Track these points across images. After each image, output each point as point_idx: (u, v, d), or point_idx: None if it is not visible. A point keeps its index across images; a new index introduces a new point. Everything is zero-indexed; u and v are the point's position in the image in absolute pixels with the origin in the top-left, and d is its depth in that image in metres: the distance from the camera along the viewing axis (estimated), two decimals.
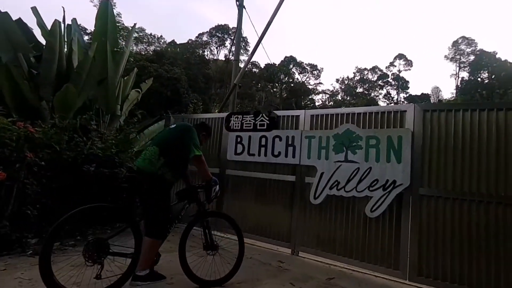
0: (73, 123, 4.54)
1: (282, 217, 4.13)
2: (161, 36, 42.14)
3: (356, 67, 53.94)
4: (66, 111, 4.90)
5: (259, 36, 7.13)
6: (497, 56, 39.23)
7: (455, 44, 45.67)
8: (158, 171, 2.42)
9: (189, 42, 43.29)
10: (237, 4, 8.41)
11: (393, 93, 51.15)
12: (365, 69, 52.77)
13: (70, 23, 6.70)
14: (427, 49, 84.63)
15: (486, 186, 3.01)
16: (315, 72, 50.79)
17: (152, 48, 37.94)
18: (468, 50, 44.28)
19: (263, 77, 45.37)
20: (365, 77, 52.54)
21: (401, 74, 50.93)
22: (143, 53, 31.14)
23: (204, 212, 2.81)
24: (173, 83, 18.62)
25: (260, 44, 7.26)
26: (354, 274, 3.45)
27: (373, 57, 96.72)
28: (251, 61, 8.11)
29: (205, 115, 5.32)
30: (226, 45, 45.31)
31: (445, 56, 47.13)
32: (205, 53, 43.57)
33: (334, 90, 53.20)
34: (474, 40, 44.29)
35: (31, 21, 6.22)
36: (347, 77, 53.45)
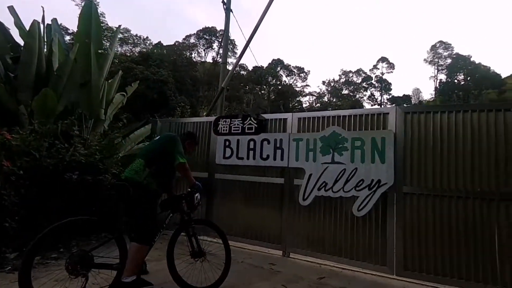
0: (54, 128, 4.36)
1: (272, 220, 4.17)
2: (147, 37, 41.43)
3: (342, 70, 55.31)
4: (46, 116, 4.70)
5: (247, 39, 7.18)
6: (471, 59, 41.09)
7: (433, 48, 47.43)
8: (143, 181, 2.52)
9: (176, 44, 42.80)
10: (224, 8, 8.44)
11: (377, 94, 52.51)
12: (350, 71, 53.91)
13: (50, 23, 6.51)
14: (408, 53, 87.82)
15: (463, 183, 3.20)
16: (302, 74, 51.39)
17: (137, 49, 37.27)
18: (445, 53, 46.09)
19: (251, 79, 45.46)
20: (350, 80, 53.61)
21: (384, 77, 52.42)
22: (128, 54, 30.57)
23: (188, 220, 2.82)
24: (160, 86, 18.38)
25: (248, 47, 7.31)
26: (344, 272, 3.53)
27: (357, 60, 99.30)
28: (239, 63, 8.13)
29: (192, 119, 5.29)
30: (213, 47, 45.13)
31: (424, 59, 48.91)
32: (193, 55, 43.19)
33: (321, 92, 54.02)
34: (450, 44, 46.20)
35: (8, 21, 6.00)
36: (333, 79, 54.43)
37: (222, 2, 8.58)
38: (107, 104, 6.34)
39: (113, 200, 4.10)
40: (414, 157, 3.44)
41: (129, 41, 38.40)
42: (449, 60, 44.62)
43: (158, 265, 3.12)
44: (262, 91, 47.70)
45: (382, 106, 49.24)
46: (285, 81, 50.15)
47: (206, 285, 2.74)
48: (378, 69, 52.72)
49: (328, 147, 3.86)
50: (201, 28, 45.16)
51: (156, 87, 17.98)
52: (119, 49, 32.88)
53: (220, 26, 44.46)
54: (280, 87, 48.25)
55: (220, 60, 8.76)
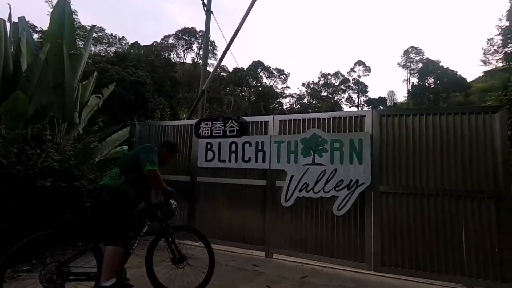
0: (23, 133, 4.14)
1: (255, 221, 4.20)
2: (123, 37, 40.15)
3: (321, 72, 56.38)
4: (15, 120, 4.44)
5: (228, 42, 7.20)
6: (440, 64, 43.55)
7: (406, 52, 49.82)
8: (119, 187, 2.60)
9: (154, 44, 41.88)
10: (204, 10, 8.39)
11: (354, 96, 54.22)
12: (329, 74, 55.25)
13: (16, 21, 6.18)
14: (383, 57, 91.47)
15: (434, 182, 3.41)
16: (282, 76, 51.99)
17: (113, 49, 36.05)
18: (417, 58, 48.55)
19: (232, 81, 45.38)
20: (329, 82, 54.92)
21: (361, 79, 54.23)
22: (103, 54, 29.49)
23: (165, 228, 2.79)
24: (137, 87, 17.90)
25: (229, 49, 7.32)
26: (325, 271, 3.63)
27: (335, 63, 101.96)
28: (219, 65, 8.10)
29: (173, 122, 5.20)
30: (193, 48, 44.62)
31: (398, 63, 51.22)
32: (171, 56, 42.44)
33: (301, 94, 54.89)
34: (421, 49, 48.79)
35: None
36: (313, 81, 55.50)
37: (202, 3, 8.53)
38: (82, 107, 6.11)
39: (90, 208, 3.95)
40: (389, 157, 3.61)
41: (104, 41, 37.04)
42: (420, 65, 46.99)
43: (139, 272, 3.06)
44: (243, 93, 47.77)
45: (359, 107, 51.07)
46: (265, 82, 50.58)
47: None
48: (355, 72, 54.54)
49: (308, 148, 3.96)
50: (180, 29, 44.59)
51: (134, 88, 17.50)
52: (93, 48, 31.62)
53: (199, 26, 44.10)
54: (260, 88, 48.54)
55: (200, 61, 8.69)
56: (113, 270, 2.35)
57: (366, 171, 3.63)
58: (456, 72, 41.40)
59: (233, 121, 4.52)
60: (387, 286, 3.23)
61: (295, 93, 54.60)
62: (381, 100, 52.24)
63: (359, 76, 54.27)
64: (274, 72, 51.34)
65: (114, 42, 38.96)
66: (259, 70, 49.73)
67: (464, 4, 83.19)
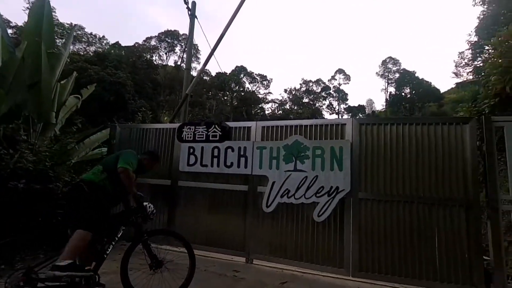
0: None
1: (236, 227, 4.19)
2: (103, 36, 38.91)
3: (302, 79, 57.49)
4: None
5: (212, 47, 7.20)
6: (416, 74, 45.73)
7: (384, 63, 51.93)
8: (100, 182, 2.70)
9: (136, 45, 40.97)
10: (189, 14, 8.35)
11: (335, 104, 55.66)
12: (310, 81, 56.46)
13: None
14: (362, 66, 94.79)
15: (410, 189, 3.54)
16: (264, 82, 52.52)
17: (92, 48, 34.91)
18: (394, 68, 50.71)
19: (214, 85, 45.25)
20: (310, 89, 56.06)
21: (341, 87, 55.78)
22: (82, 53, 28.49)
23: (140, 233, 2.75)
24: (117, 88, 17.46)
25: (213, 55, 7.31)
26: (305, 276, 3.67)
27: (317, 70, 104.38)
28: (203, 70, 8.07)
29: (155, 125, 5.12)
30: (176, 51, 44.11)
31: (377, 73, 53.19)
32: (153, 58, 41.72)
33: (283, 100, 55.58)
34: (398, 60, 51.09)
35: None
36: (295, 88, 56.45)
37: (186, 8, 8.50)
38: (59, 107, 5.89)
39: (66, 202, 3.79)
40: (368, 165, 3.73)
41: (83, 39, 35.79)
42: (397, 75, 49.11)
43: (115, 278, 2.96)
44: (225, 97, 47.74)
45: (340, 115, 52.38)
46: (248, 88, 50.86)
47: None
48: (336, 79, 56.10)
49: (291, 155, 4.02)
50: (163, 31, 44.02)
51: (113, 89, 17.05)
52: (71, 47, 30.51)
53: (183, 29, 43.83)
54: (243, 93, 48.72)
55: (183, 64, 8.62)
56: (74, 253, 2.36)
57: (346, 178, 3.73)
58: (431, 83, 43.70)
59: (216, 126, 4.52)
60: None
61: (277, 99, 55.35)
62: (361, 108, 54.00)
63: (340, 84, 55.90)
64: (257, 77, 51.81)
65: (94, 41, 37.74)
66: (242, 75, 49.99)
67: (438, 17, 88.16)
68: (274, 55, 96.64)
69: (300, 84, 56.47)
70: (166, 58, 44.34)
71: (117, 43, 37.77)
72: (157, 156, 3.37)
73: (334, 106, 55.52)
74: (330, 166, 3.82)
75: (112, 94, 16.89)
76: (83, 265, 2.40)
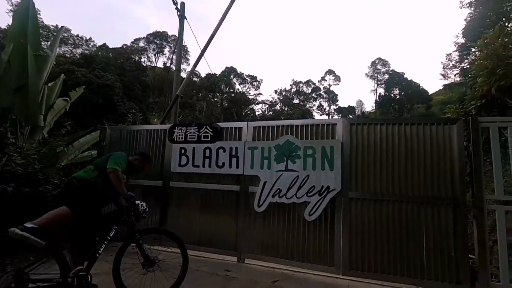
0: None
1: (228, 227, 4.21)
2: (90, 38, 38.40)
3: (293, 80, 57.94)
4: None
5: (202, 48, 7.19)
6: (405, 76, 46.58)
7: (373, 64, 52.69)
8: (91, 179, 2.78)
9: (124, 47, 40.52)
10: (178, 15, 8.34)
11: (325, 104, 56.20)
12: (301, 82, 56.86)
13: None
14: (352, 67, 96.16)
15: (399, 188, 3.61)
16: (255, 83, 52.63)
17: (79, 50, 34.35)
18: (383, 69, 51.52)
19: (204, 86, 45.08)
20: (300, 90, 56.46)
21: (331, 88, 56.38)
22: (68, 56, 27.97)
23: (133, 232, 2.76)
24: (106, 90, 17.21)
25: (203, 56, 7.31)
26: (296, 275, 3.71)
27: (307, 71, 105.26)
28: (193, 71, 8.05)
29: (146, 127, 5.09)
30: (164, 52, 43.88)
31: (366, 74, 53.95)
32: (142, 59, 41.32)
33: (273, 101, 55.82)
34: (388, 61, 51.88)
35: None
36: (285, 88, 56.73)
37: (176, 8, 8.48)
38: (47, 110, 5.80)
39: (58, 195, 3.74)
40: (358, 164, 3.80)
41: (69, 42, 35.21)
42: (386, 76, 49.87)
43: (108, 278, 2.95)
44: (215, 99, 47.61)
45: (330, 116, 52.89)
46: (238, 89, 50.88)
47: None
48: (326, 80, 56.61)
49: (282, 155, 4.07)
50: (151, 32, 43.69)
51: (102, 92, 16.79)
52: (57, 49, 29.92)
53: (171, 30, 43.57)
54: (233, 94, 48.71)
55: (172, 65, 8.59)
56: (46, 221, 2.42)
57: (336, 177, 3.79)
58: (419, 84, 44.56)
59: (207, 127, 4.53)
60: None
61: (268, 100, 55.54)
62: (351, 109, 54.70)
63: (330, 85, 56.48)
64: (247, 78, 51.91)
65: (80, 43, 37.16)
66: (232, 76, 50.00)
67: (427, 19, 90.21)
68: (264, 56, 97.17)
69: (290, 85, 56.88)
70: (155, 60, 44.07)
71: (104, 45, 37.26)
72: (148, 157, 3.41)
73: (324, 107, 56.11)
74: (321, 166, 3.88)
75: (100, 96, 16.64)
76: (47, 236, 2.37)
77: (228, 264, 3.99)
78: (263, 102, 54.58)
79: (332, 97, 56.00)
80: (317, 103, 56.05)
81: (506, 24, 7.66)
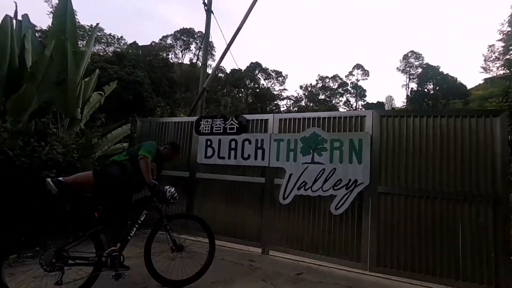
0: (28, 127, 4.20)
1: (252, 218, 4.24)
2: (121, 37, 40.08)
3: (319, 75, 56.62)
4: (20, 114, 4.52)
5: (228, 42, 7.25)
6: (440, 69, 43.72)
7: (405, 57, 50.09)
8: (122, 161, 2.97)
9: (152, 44, 41.96)
10: (205, 9, 8.45)
11: (352, 100, 54.48)
12: (327, 77, 55.51)
13: (20, 19, 6.21)
14: (382, 61, 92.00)
15: (432, 184, 3.43)
16: (280, 78, 52.25)
17: (111, 49, 35.99)
18: (416, 63, 48.83)
19: (229, 82, 45.51)
20: (326, 85, 55.18)
21: (359, 83, 54.50)
22: (102, 54, 29.44)
23: (163, 217, 2.86)
24: (135, 87, 17.91)
25: (229, 50, 7.38)
26: (321, 269, 3.66)
27: (334, 66, 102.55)
28: (219, 65, 8.16)
29: (174, 119, 5.26)
30: (191, 49, 44.81)
31: (397, 68, 51.53)
32: (170, 56, 42.54)
33: (298, 96, 55.08)
34: (421, 54, 49.03)
35: None
36: (310, 84, 55.70)
37: (203, 3, 8.60)
38: (84, 104, 6.17)
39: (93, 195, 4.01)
40: (388, 158, 3.65)
41: (102, 40, 36.98)
42: (420, 70, 47.19)
43: (139, 262, 3.11)
44: (240, 94, 47.90)
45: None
46: (263, 84, 50.77)
47: (186, 277, 2.81)
48: (354, 75, 54.80)
49: (308, 147, 4.01)
50: (178, 29, 44.76)
51: (132, 88, 17.50)
52: (92, 47, 31.59)
53: (198, 27, 44.27)
54: (258, 90, 48.69)
55: (198, 62, 8.76)
56: (71, 179, 2.79)
57: (365, 171, 3.68)
58: (456, 78, 41.63)
59: (233, 119, 4.57)
60: (381, 287, 3.24)
61: (293, 96, 54.89)
62: (379, 105, 52.45)
63: (358, 80, 54.61)
64: (272, 73, 51.62)
65: (112, 42, 38.91)
66: (256, 72, 49.96)
67: (466, 9, 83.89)
68: (290, 51, 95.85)
69: (316, 80, 55.73)
70: (182, 56, 45.13)
71: (134, 42, 38.78)
72: (177, 147, 3.51)
73: (351, 102, 54.43)
74: (349, 159, 3.78)
75: (130, 92, 17.35)
76: (125, 269, 2.56)
77: (252, 255, 4.03)
78: (288, 97, 54.15)
79: (360, 93, 54.17)
80: (343, 99, 54.54)
81: None
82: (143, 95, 18.07)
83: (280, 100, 52.49)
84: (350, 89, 54.56)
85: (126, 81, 17.39)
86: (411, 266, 3.36)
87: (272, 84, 51.94)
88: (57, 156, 3.80)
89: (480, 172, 3.27)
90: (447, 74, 42.46)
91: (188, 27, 44.82)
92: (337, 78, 55.01)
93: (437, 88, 42.16)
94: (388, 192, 3.58)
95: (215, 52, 41.60)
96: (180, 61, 43.72)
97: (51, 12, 27.14)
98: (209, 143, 4.65)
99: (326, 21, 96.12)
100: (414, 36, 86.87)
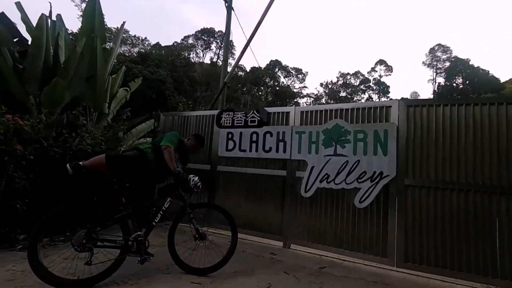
0: (61, 119, 4.44)
1: (274, 211, 4.21)
2: (145, 38, 41.53)
3: (339, 72, 55.54)
4: (54, 106, 4.78)
5: (248, 38, 7.25)
6: (470, 63, 41.40)
7: (432, 51, 47.89)
8: (144, 149, 3.12)
9: (174, 44, 43.03)
10: (226, 5, 8.51)
11: (375, 97, 52.81)
12: (348, 74, 54.31)
13: (54, 19, 6.56)
14: (406, 56, 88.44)
15: (465, 176, 3.22)
16: (299, 76, 51.75)
17: (136, 49, 37.32)
18: (444, 57, 46.52)
19: (249, 80, 45.69)
20: (348, 82, 53.99)
21: (382, 79, 52.75)
22: (127, 54, 30.57)
23: (186, 206, 2.92)
24: (158, 85, 18.46)
25: (249, 46, 7.38)
26: (345, 264, 3.56)
27: (355, 62, 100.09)
28: (239, 62, 8.20)
29: (195, 113, 5.33)
30: (212, 48, 45.41)
31: (423, 62, 49.36)
32: (191, 55, 43.40)
33: (319, 94, 54.32)
34: (449, 47, 46.67)
35: (15, 17, 6.06)
36: (331, 81, 54.81)
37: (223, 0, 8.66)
38: (111, 99, 6.42)
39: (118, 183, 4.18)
40: (416, 149, 3.48)
41: (128, 41, 38.49)
42: (447, 63, 44.99)
43: (162, 249, 3.23)
44: (260, 92, 47.93)
45: None
46: (282, 82, 50.50)
47: (209, 266, 2.85)
48: (376, 71, 53.22)
49: (330, 139, 3.92)
50: (199, 29, 45.51)
51: (155, 87, 18.06)
52: (119, 44, 32.92)
53: (218, 27, 44.73)
54: (277, 88, 48.51)
55: (219, 60, 8.85)
56: (88, 162, 2.90)
57: (390, 163, 3.53)
58: (488, 71, 39.28)
59: (255, 112, 4.56)
60: (409, 283, 3.10)
61: (313, 93, 54.21)
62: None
63: (380, 76, 52.94)
64: (292, 71, 51.18)
65: (137, 43, 40.35)
66: (276, 69, 49.75)
67: None
68: (310, 48, 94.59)
69: (337, 77, 54.72)
70: (203, 56, 45.81)
71: (157, 43, 39.97)
72: (201, 139, 3.61)
73: (374, 99, 52.85)
74: (374, 151, 3.64)
75: (153, 91, 17.91)
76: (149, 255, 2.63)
77: (273, 248, 4.00)
78: (308, 95, 53.52)
79: (383, 89, 52.44)
80: (366, 96, 53.10)
81: None
82: (165, 93, 18.59)
83: (300, 98, 52.02)
84: (372, 85, 53.03)
85: (149, 80, 17.96)
86: (442, 263, 3.18)
87: (292, 81, 51.60)
88: (86, 147, 3.98)
89: None
90: (478, 67, 40.10)
91: (208, 27, 45.50)
92: (359, 75, 53.65)
93: (467, 82, 39.96)
94: (416, 185, 3.41)
95: (235, 51, 41.92)
96: (201, 60, 44.49)
97: (81, 16, 28.52)
98: (230, 136, 4.67)
99: (347, 16, 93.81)
100: (440, 29, 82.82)
